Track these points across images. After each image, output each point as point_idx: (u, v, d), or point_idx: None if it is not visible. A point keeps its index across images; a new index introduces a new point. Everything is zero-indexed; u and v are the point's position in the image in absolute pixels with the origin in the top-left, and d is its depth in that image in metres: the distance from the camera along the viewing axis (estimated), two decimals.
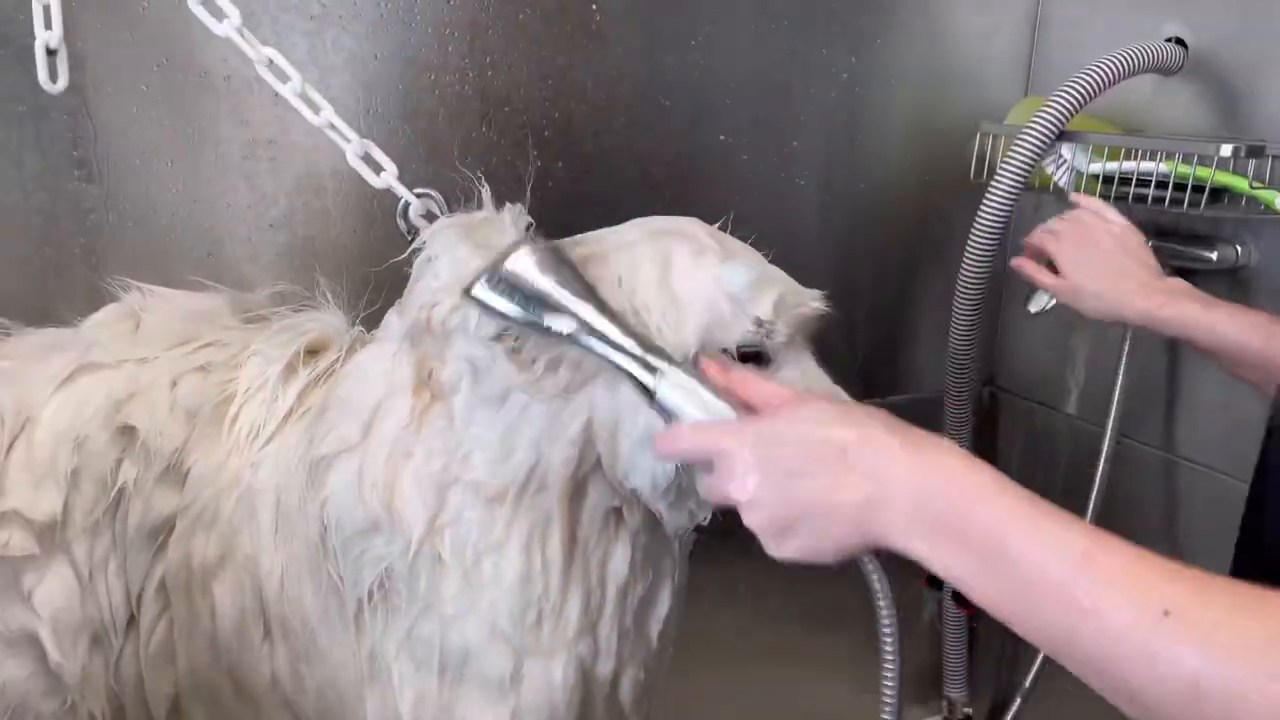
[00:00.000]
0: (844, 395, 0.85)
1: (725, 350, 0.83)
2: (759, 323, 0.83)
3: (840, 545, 0.66)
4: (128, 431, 0.94)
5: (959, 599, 1.61)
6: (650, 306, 0.83)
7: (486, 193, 0.94)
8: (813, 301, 0.86)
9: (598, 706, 0.97)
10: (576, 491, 0.88)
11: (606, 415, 0.84)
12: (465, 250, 0.88)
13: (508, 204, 0.97)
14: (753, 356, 0.83)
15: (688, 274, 0.84)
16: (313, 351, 1.00)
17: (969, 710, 1.70)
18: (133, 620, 0.96)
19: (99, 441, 0.93)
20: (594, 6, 1.31)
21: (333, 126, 1.01)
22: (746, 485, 0.67)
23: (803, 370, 0.86)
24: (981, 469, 0.61)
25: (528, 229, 0.96)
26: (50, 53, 0.97)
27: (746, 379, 0.75)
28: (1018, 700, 1.64)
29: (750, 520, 0.68)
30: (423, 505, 0.88)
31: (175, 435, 0.95)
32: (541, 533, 0.88)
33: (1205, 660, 0.50)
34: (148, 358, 0.98)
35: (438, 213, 1.02)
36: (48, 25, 0.97)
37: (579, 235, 0.92)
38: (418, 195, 1.00)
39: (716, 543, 1.13)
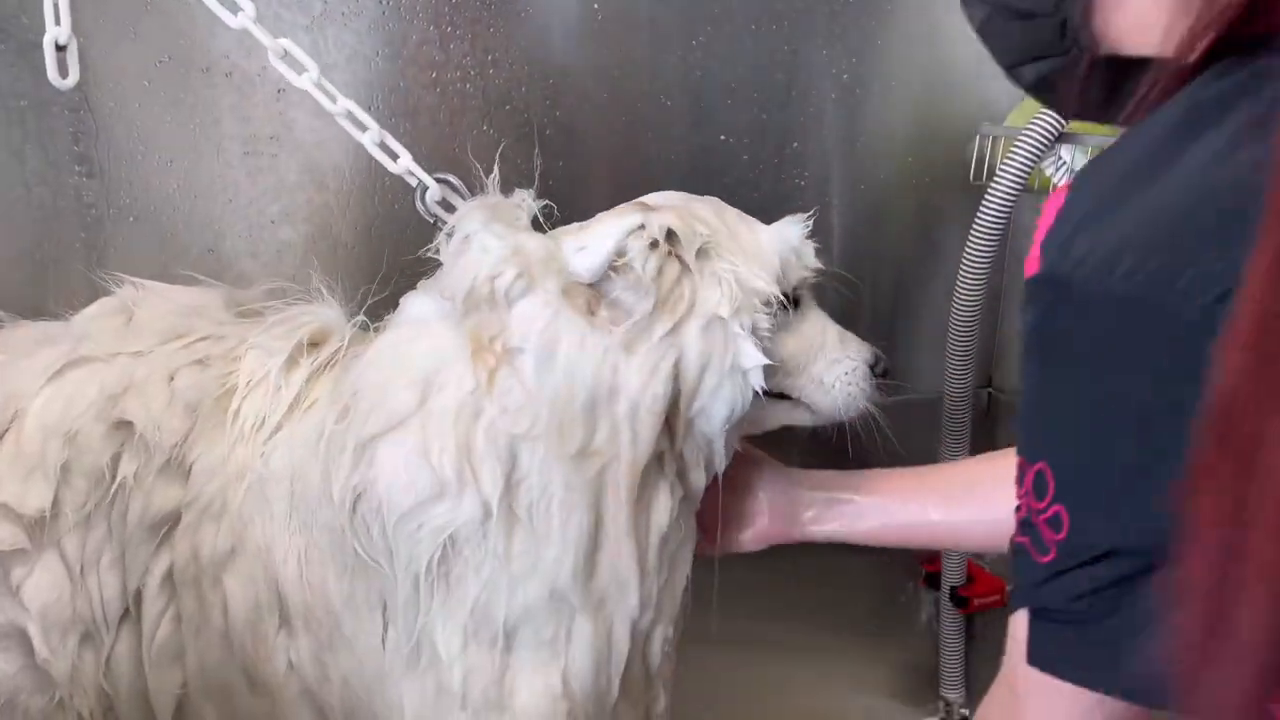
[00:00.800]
0: (848, 334, 1.01)
1: (785, 294, 0.95)
2: (809, 269, 0.98)
3: None
4: (124, 426, 0.94)
5: (956, 599, 1.61)
6: (724, 254, 0.93)
7: (494, 178, 0.96)
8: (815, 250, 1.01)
9: (634, 664, 0.98)
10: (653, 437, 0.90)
11: (699, 354, 0.90)
12: (500, 225, 0.92)
13: (517, 189, 0.98)
14: (793, 300, 0.97)
15: (749, 231, 0.97)
16: (313, 344, 1.00)
17: (965, 711, 1.70)
18: (126, 617, 0.96)
19: (92, 436, 0.93)
20: (595, 6, 1.31)
21: (350, 115, 1.01)
22: None
23: (818, 313, 1.01)
24: None
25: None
26: (60, 48, 0.97)
27: None
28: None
29: None
30: (498, 462, 0.88)
31: (175, 429, 0.95)
32: (610, 483, 0.90)
33: None
34: (142, 351, 0.97)
35: (456, 198, 1.04)
36: (57, 21, 0.97)
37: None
38: (437, 180, 1.02)
39: None
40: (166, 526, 0.95)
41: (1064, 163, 1.34)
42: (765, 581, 1.45)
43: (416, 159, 1.03)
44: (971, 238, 1.35)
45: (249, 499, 0.95)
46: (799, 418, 1.02)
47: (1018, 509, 0.59)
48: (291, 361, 0.98)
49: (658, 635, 0.99)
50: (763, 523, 1.07)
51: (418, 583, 0.90)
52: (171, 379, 0.96)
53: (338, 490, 0.91)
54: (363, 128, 1.03)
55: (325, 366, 0.99)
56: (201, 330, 1.01)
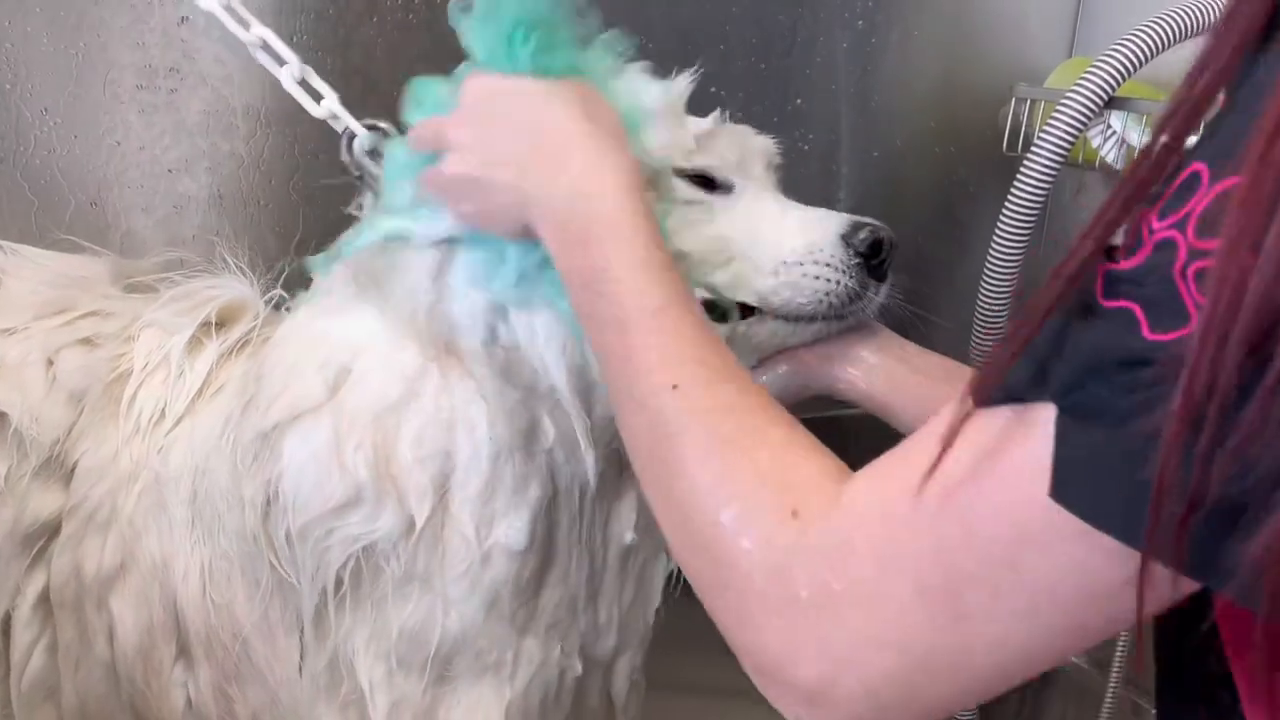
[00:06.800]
0: (819, 213, 0.92)
1: (678, 170, 0.88)
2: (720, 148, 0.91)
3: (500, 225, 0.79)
4: None
5: None
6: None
7: None
8: (757, 135, 0.96)
9: (592, 696, 0.97)
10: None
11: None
12: None
13: None
14: (706, 180, 0.90)
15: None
16: (221, 322, 0.99)
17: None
18: None
19: None
20: None
21: (265, 45, 0.97)
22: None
23: (763, 195, 0.93)
24: (634, 216, 0.71)
25: None
26: None
27: None
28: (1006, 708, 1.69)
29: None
30: (427, 473, 0.83)
31: (56, 422, 0.94)
32: (563, 486, 0.87)
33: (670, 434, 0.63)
34: (14, 328, 0.96)
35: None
36: None
37: None
38: (368, 127, 0.96)
39: None
40: (43, 539, 0.94)
41: (1113, 132, 1.33)
42: None
43: (346, 102, 0.99)
44: (1003, 218, 1.29)
45: (143, 504, 0.93)
46: (777, 331, 0.90)
47: (1129, 253, 0.46)
48: (195, 342, 0.97)
49: (622, 665, 0.97)
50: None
51: (326, 598, 0.87)
52: (51, 362, 0.95)
53: (248, 489, 0.87)
54: (281, 61, 0.98)
55: (235, 348, 0.97)
56: (85, 305, 0.99)
